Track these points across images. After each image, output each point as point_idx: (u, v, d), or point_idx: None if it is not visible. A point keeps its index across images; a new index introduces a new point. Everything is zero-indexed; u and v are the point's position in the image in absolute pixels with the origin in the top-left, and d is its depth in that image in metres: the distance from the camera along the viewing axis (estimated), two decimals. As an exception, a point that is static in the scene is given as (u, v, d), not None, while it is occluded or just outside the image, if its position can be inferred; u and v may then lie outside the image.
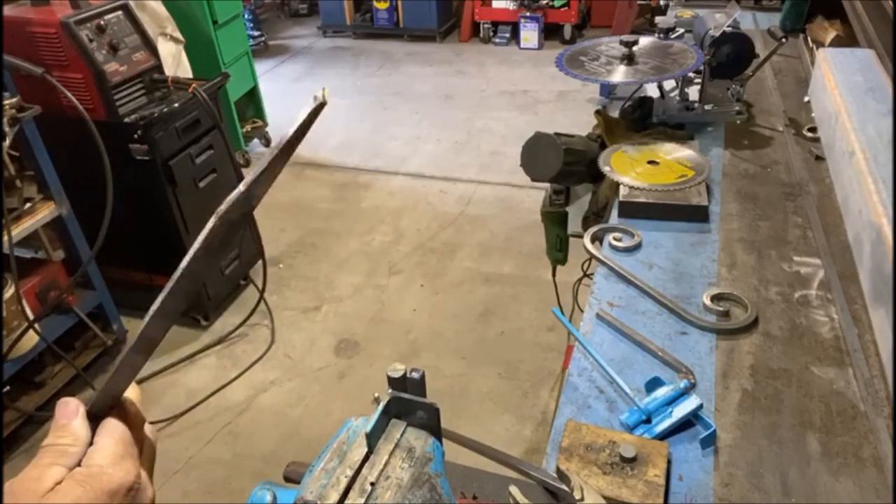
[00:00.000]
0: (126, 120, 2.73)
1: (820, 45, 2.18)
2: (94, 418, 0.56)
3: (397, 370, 0.65)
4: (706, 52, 1.84)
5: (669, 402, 1.02)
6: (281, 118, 5.07)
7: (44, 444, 0.54)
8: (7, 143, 2.31)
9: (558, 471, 0.90)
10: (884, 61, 1.65)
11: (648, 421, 1.01)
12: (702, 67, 1.84)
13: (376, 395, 0.71)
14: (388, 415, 0.64)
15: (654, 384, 1.05)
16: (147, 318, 0.54)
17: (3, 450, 2.58)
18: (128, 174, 2.73)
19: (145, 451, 0.60)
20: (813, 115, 1.84)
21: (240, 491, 2.48)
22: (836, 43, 2.13)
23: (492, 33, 6.90)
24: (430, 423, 0.64)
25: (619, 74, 1.76)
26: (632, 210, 1.51)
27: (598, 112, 1.84)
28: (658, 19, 2.24)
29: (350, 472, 0.59)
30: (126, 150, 2.72)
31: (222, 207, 0.52)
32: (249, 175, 0.54)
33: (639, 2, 4.06)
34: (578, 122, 3.25)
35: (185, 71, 3.60)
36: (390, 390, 0.65)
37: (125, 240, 2.92)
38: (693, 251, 1.40)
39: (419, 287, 3.52)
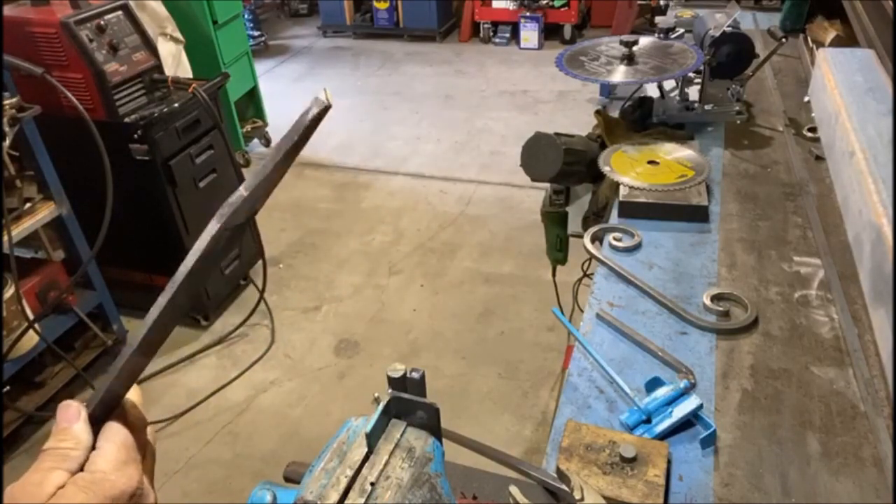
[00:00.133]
0: (126, 120, 2.74)
1: (820, 45, 2.18)
2: (96, 421, 0.56)
3: (397, 370, 0.65)
4: (706, 52, 1.84)
5: (669, 402, 1.02)
6: (281, 118, 5.07)
7: (45, 448, 0.53)
8: (7, 143, 2.31)
9: (558, 471, 0.90)
10: (884, 61, 1.65)
11: (648, 421, 1.01)
12: (702, 67, 1.84)
13: (376, 395, 0.71)
14: (388, 415, 0.64)
15: (654, 384, 1.05)
16: (150, 322, 0.53)
17: (3, 450, 2.58)
18: (128, 174, 2.73)
19: (147, 455, 0.60)
20: (813, 115, 1.84)
21: (240, 491, 2.48)
22: (836, 43, 2.13)
23: (492, 33, 6.90)
24: (430, 423, 0.64)
25: (619, 74, 1.76)
26: (632, 210, 1.51)
27: (598, 112, 1.84)
28: (658, 19, 2.24)
29: (350, 472, 0.59)
30: (126, 150, 2.72)
31: (225, 212, 0.52)
32: (251, 178, 0.53)
33: (639, 2, 4.06)
34: (578, 122, 3.25)
35: (185, 71, 3.60)
36: (390, 390, 0.65)
37: (125, 240, 2.92)
38: (693, 251, 1.40)
39: (419, 287, 3.52)
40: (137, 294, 3.10)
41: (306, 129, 0.52)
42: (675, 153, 1.62)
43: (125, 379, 0.56)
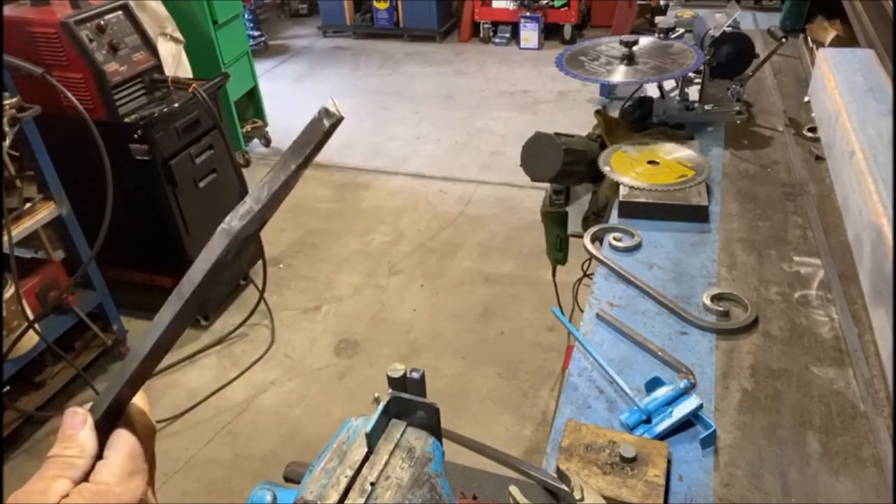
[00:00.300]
0: (126, 120, 2.73)
1: (820, 45, 2.18)
2: (102, 428, 0.55)
3: (397, 370, 0.65)
4: (706, 52, 1.84)
5: (669, 402, 1.02)
6: (281, 118, 5.07)
7: (49, 455, 0.53)
8: (7, 143, 2.31)
9: (558, 471, 0.90)
10: (884, 61, 1.65)
11: (648, 421, 1.01)
12: (702, 67, 1.84)
13: (376, 395, 0.71)
14: (388, 415, 0.64)
15: (654, 384, 1.05)
16: (157, 333, 0.53)
17: (3, 450, 2.58)
18: (128, 174, 2.73)
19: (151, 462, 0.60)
20: (813, 115, 1.84)
21: (240, 491, 2.48)
22: (836, 43, 2.13)
23: (492, 33, 6.90)
24: (430, 423, 0.64)
25: (619, 74, 1.76)
26: (632, 210, 1.51)
27: (598, 112, 1.84)
28: (658, 19, 2.24)
29: (350, 472, 0.59)
30: (126, 150, 2.72)
31: (235, 225, 0.51)
32: (259, 189, 0.52)
33: (639, 2, 4.06)
34: (578, 122, 3.25)
35: (185, 71, 3.60)
36: (390, 390, 0.65)
37: (125, 240, 2.92)
38: (693, 251, 1.40)
39: (419, 287, 3.52)
40: (137, 294, 3.14)
41: (318, 143, 0.50)
42: (675, 153, 1.62)
43: (130, 386, 0.56)
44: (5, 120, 2.26)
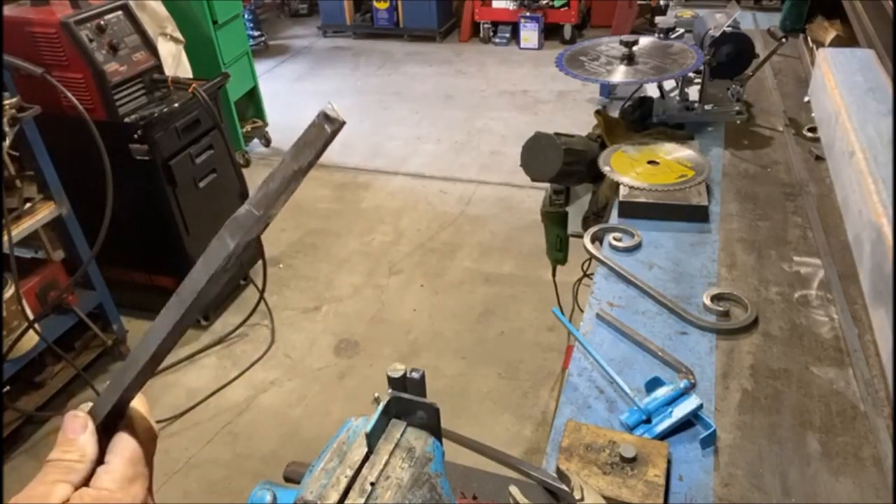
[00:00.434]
0: (126, 120, 2.74)
1: (820, 45, 2.18)
2: (103, 432, 0.55)
3: (397, 370, 0.65)
4: (706, 52, 1.84)
5: (669, 402, 1.02)
6: (281, 118, 5.07)
7: (49, 459, 0.52)
8: (7, 143, 2.31)
9: (558, 471, 0.90)
10: (884, 61, 1.65)
11: (648, 421, 1.01)
12: (702, 67, 1.84)
13: (376, 395, 0.70)
14: (388, 415, 0.64)
15: (654, 384, 1.05)
16: (158, 340, 0.53)
17: (3, 450, 2.58)
18: (128, 174, 2.73)
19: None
20: (813, 115, 1.84)
21: (240, 491, 2.48)
22: (836, 43, 2.13)
23: (492, 33, 6.90)
24: (430, 423, 0.64)
25: (619, 74, 1.76)
26: (632, 210, 1.51)
27: (598, 112, 1.84)
28: (658, 19, 2.24)
29: (350, 472, 0.59)
30: (126, 150, 2.72)
31: (236, 232, 0.51)
32: (260, 194, 0.52)
33: (639, 2, 4.06)
34: (578, 122, 3.25)
35: (185, 71, 3.60)
36: (390, 390, 0.65)
37: (125, 240, 2.92)
38: (693, 251, 1.40)
39: (419, 287, 3.52)
40: (137, 294, 3.14)
41: (321, 149, 0.49)
42: (675, 153, 1.62)
43: (131, 389, 0.56)
44: (5, 120, 2.26)
